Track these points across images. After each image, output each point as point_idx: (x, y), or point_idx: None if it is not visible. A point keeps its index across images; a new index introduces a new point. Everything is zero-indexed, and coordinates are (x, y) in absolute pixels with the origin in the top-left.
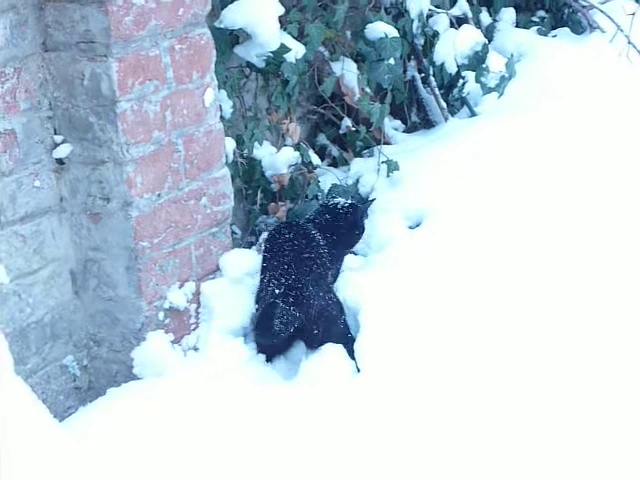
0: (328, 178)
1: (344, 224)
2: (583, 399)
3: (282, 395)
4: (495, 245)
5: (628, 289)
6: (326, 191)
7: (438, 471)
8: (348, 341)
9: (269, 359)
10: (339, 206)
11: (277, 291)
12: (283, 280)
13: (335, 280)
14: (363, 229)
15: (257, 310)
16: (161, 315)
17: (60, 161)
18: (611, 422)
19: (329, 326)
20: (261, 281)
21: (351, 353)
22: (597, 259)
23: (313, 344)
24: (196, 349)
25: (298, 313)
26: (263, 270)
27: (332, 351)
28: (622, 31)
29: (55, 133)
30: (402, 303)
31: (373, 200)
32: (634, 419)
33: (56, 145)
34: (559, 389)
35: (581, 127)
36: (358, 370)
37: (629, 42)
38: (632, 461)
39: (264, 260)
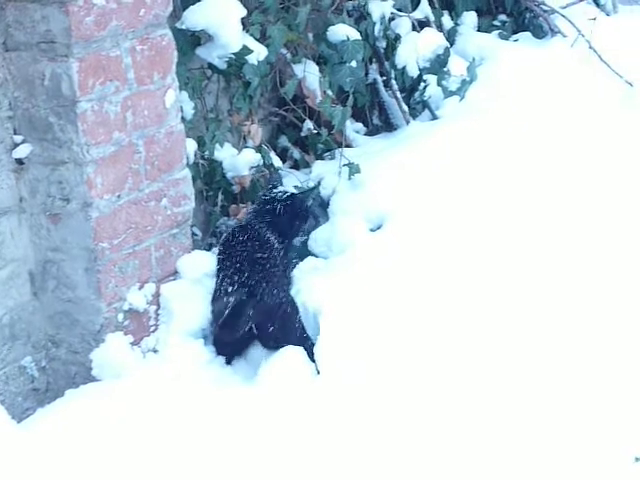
0: (289, 180)
1: (285, 214)
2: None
3: (242, 397)
4: (455, 247)
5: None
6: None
7: (396, 470)
8: (304, 340)
9: (229, 361)
10: (277, 196)
11: (230, 289)
12: (236, 278)
13: (288, 271)
14: (305, 218)
15: (212, 312)
16: (120, 317)
17: (20, 161)
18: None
19: (284, 323)
20: (216, 283)
21: (310, 354)
22: (557, 254)
23: (269, 342)
24: (155, 351)
25: (251, 311)
26: (218, 272)
27: (292, 353)
28: (583, 36)
29: (15, 133)
30: (362, 306)
31: (315, 188)
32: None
33: (16, 145)
34: (520, 394)
35: (541, 130)
36: (318, 372)
37: (590, 47)
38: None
39: (218, 262)
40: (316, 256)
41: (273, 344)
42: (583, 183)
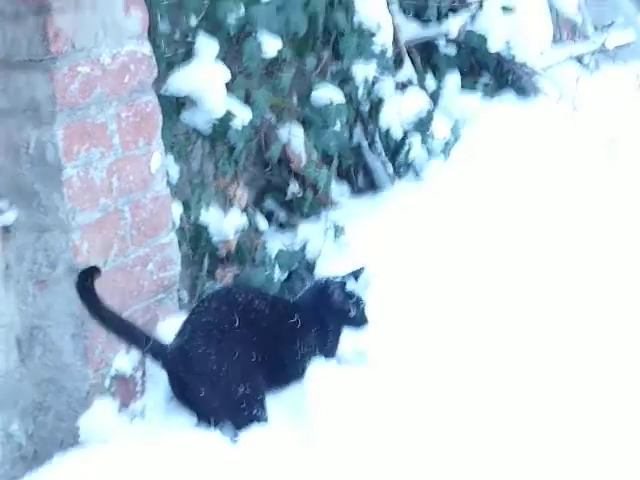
0: (275, 242)
1: (316, 302)
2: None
3: (227, 459)
4: (440, 305)
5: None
6: (273, 256)
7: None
8: (238, 414)
9: (216, 424)
10: (315, 285)
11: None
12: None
13: (329, 354)
14: (331, 308)
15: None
16: (107, 382)
17: (6, 228)
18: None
19: (216, 392)
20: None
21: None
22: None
23: (199, 409)
24: (142, 415)
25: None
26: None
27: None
28: (566, 96)
29: (1, 199)
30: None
31: (347, 277)
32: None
33: (1, 212)
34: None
35: (524, 187)
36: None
37: (574, 107)
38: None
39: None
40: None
41: (204, 413)
42: (564, 236)
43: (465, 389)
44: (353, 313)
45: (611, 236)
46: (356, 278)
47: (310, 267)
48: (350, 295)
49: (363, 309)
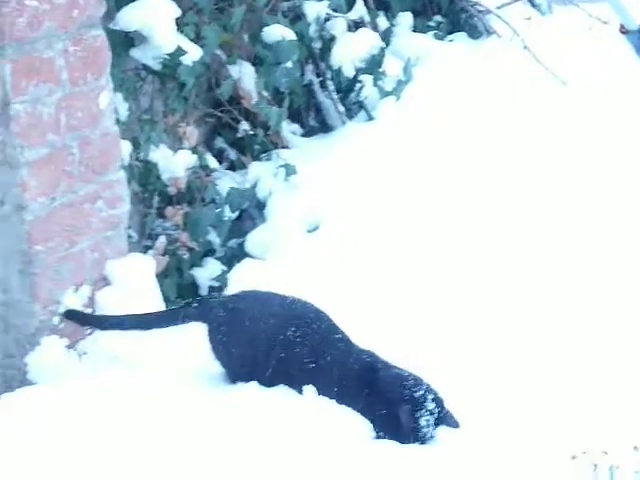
0: (225, 182)
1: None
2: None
3: (175, 396)
4: (391, 246)
5: None
6: (223, 195)
7: None
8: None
9: None
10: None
11: None
12: None
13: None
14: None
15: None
16: (56, 320)
17: None
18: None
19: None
20: None
21: None
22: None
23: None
24: (91, 354)
25: None
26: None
27: None
28: (518, 35)
29: None
30: None
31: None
32: None
33: None
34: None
35: (475, 128)
36: None
37: (525, 47)
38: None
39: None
40: (253, 258)
41: None
42: (514, 180)
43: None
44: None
45: (565, 171)
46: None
47: (260, 206)
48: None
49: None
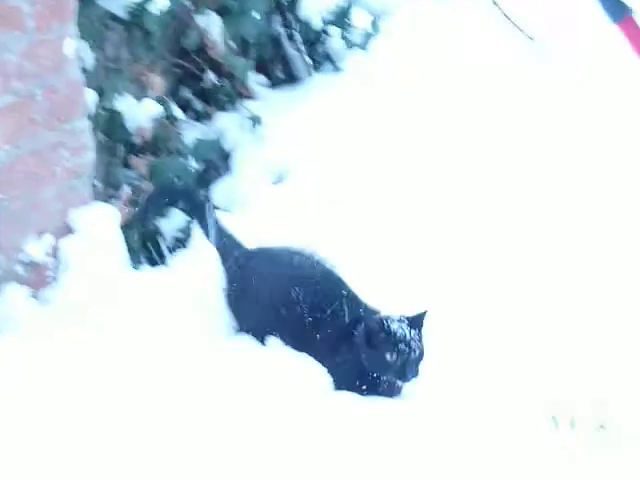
0: (191, 132)
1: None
2: None
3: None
4: (361, 197)
5: None
6: (189, 146)
7: None
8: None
9: None
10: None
11: None
12: None
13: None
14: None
15: None
16: (19, 268)
17: None
18: None
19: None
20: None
21: None
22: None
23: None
24: (54, 303)
25: None
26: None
27: None
28: None
29: None
30: None
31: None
32: None
33: None
34: None
35: (443, 84)
36: None
37: (494, 2)
38: None
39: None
40: (218, 209)
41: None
42: (483, 137)
43: None
44: (391, 358)
45: (526, 122)
46: (413, 324)
47: (226, 157)
48: (391, 335)
49: (408, 361)
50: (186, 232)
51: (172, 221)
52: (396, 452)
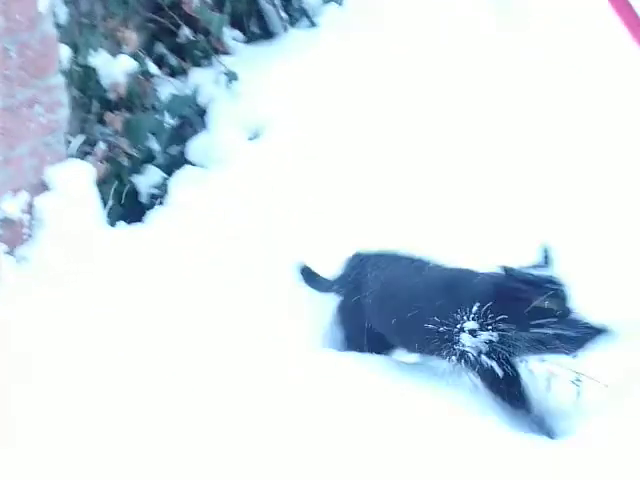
0: (166, 88)
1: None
2: None
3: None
4: (333, 153)
5: None
6: (164, 101)
7: None
8: None
9: None
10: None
11: None
12: None
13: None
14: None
15: None
16: None
17: None
18: None
19: None
20: None
21: None
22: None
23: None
24: (29, 260)
25: None
26: None
27: None
28: None
29: None
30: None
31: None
32: None
33: None
34: None
35: (417, 35)
36: None
37: None
38: None
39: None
40: (193, 165)
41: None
42: (459, 88)
43: None
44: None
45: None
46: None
47: (201, 113)
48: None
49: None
50: (162, 188)
51: (147, 177)
52: None
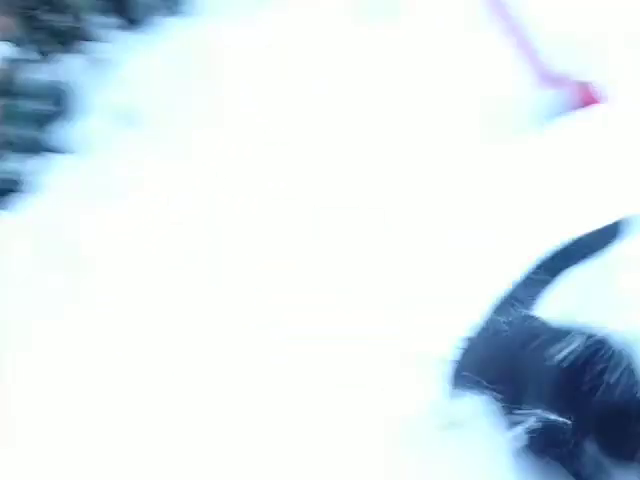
0: (37, 74)
1: None
2: None
3: None
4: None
5: None
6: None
7: None
8: None
9: None
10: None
11: None
12: None
13: None
14: None
15: None
16: None
17: None
18: None
19: None
20: None
21: None
22: None
23: None
24: None
25: None
26: None
27: None
28: None
29: None
30: None
31: None
32: None
33: None
34: None
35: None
36: None
37: None
38: None
39: None
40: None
41: None
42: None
43: None
44: None
45: None
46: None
47: (73, 100)
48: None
49: None
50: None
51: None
52: None
